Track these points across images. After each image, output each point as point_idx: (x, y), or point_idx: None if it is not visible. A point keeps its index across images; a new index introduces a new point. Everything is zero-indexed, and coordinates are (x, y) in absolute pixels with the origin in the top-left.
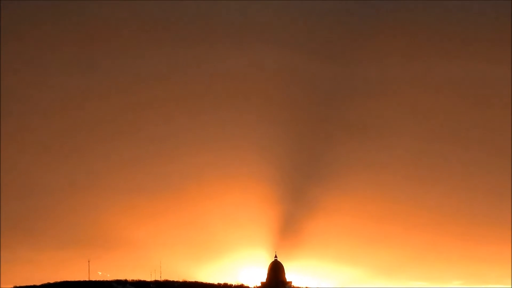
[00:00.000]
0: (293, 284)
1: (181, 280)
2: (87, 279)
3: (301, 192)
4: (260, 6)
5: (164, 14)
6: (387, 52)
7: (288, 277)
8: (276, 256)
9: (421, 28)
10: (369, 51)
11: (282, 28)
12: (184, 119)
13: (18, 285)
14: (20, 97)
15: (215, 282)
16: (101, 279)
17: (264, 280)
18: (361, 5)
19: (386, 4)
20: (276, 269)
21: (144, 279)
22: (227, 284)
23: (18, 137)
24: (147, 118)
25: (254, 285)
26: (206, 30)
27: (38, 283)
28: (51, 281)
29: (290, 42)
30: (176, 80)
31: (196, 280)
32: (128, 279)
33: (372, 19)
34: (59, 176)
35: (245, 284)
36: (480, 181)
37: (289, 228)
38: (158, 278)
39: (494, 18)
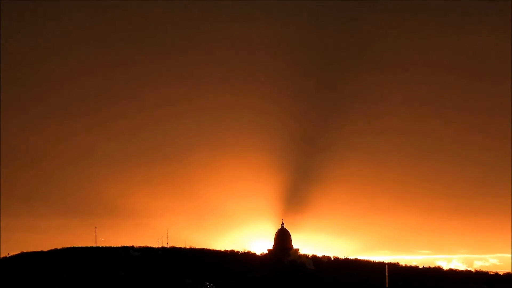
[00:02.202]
0: (300, 251)
1: (188, 247)
2: (94, 246)
3: (305, 163)
4: None
5: (168, 14)
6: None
7: (295, 244)
8: (283, 224)
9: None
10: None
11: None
12: (195, 96)
13: (25, 251)
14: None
15: (222, 249)
16: (107, 245)
17: (271, 248)
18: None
19: None
20: (283, 236)
21: (151, 246)
22: (234, 251)
23: (29, 109)
24: (161, 95)
25: (261, 252)
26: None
27: (45, 249)
28: (58, 247)
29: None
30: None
31: (203, 247)
32: (134, 246)
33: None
34: (67, 146)
35: (252, 251)
36: (481, 150)
37: (295, 197)
38: (165, 245)
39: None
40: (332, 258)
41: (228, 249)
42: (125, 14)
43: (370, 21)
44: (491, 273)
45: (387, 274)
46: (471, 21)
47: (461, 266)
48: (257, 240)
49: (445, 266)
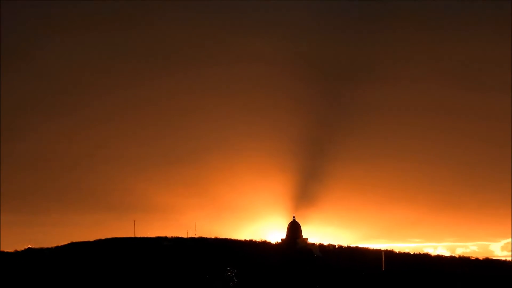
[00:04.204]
0: (309, 240)
1: (213, 237)
2: (133, 236)
3: (312, 164)
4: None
5: (189, 30)
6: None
7: (304, 234)
8: (294, 217)
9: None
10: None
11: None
12: (216, 108)
13: (74, 241)
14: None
15: (242, 239)
16: (145, 236)
17: (284, 237)
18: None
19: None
20: (294, 228)
21: (182, 236)
22: (252, 240)
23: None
24: (187, 107)
25: (276, 241)
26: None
27: (91, 239)
28: (103, 238)
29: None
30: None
31: (226, 237)
32: (167, 236)
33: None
34: (111, 152)
35: (268, 240)
36: (464, 152)
37: (304, 194)
38: (194, 236)
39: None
40: (337, 246)
41: (248, 238)
42: (153, 27)
43: (372, 22)
44: (472, 258)
45: (383, 259)
46: (469, 34)
47: (446, 253)
48: (272, 231)
49: (433, 253)
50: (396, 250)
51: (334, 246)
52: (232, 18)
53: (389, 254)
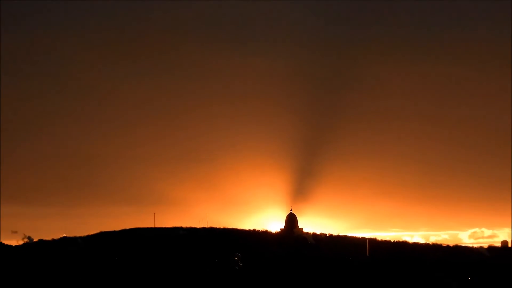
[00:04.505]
0: (304, 230)
1: (222, 227)
2: (153, 226)
3: (307, 163)
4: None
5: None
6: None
7: (300, 225)
8: (291, 210)
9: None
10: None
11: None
12: (222, 116)
13: (103, 230)
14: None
15: (247, 228)
16: (164, 226)
17: (283, 227)
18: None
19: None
20: (291, 219)
21: (195, 226)
22: (255, 230)
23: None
24: (201, 115)
25: (275, 230)
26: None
27: (118, 229)
28: (127, 228)
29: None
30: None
31: (233, 227)
32: (183, 226)
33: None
34: (133, 152)
35: (269, 230)
36: (437, 153)
37: (300, 189)
38: (205, 226)
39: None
40: (328, 235)
41: (251, 228)
42: (169, 40)
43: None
44: (443, 245)
45: (367, 246)
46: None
47: (421, 240)
48: (272, 221)
49: (410, 240)
50: (379, 238)
51: (325, 234)
52: (235, 22)
53: (373, 241)
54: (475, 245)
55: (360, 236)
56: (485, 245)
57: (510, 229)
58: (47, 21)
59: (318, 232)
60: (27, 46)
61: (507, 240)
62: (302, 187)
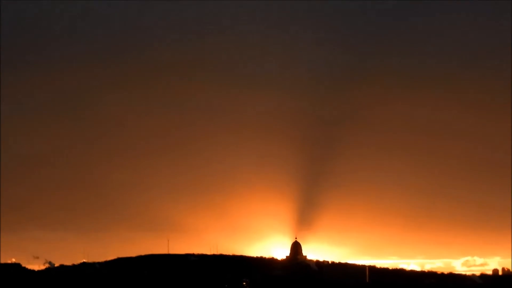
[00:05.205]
0: (307, 257)
1: (231, 254)
2: (166, 253)
3: (311, 195)
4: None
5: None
6: None
7: (304, 252)
8: (296, 238)
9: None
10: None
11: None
12: (228, 142)
13: (120, 256)
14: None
15: (254, 255)
16: (177, 253)
17: (288, 255)
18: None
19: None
20: (296, 247)
21: (206, 253)
22: (262, 256)
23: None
24: (211, 148)
25: (281, 257)
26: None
27: (133, 255)
28: (142, 254)
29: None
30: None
31: (242, 254)
32: (194, 253)
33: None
34: (148, 181)
35: (275, 257)
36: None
37: (305, 219)
38: (215, 252)
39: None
40: (330, 262)
41: (259, 255)
42: (183, 73)
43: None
44: (438, 272)
45: (367, 273)
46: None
47: (417, 268)
48: (278, 249)
49: (407, 268)
50: (378, 265)
51: (327, 261)
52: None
53: (372, 269)
54: (468, 273)
55: (360, 264)
56: (477, 273)
57: (500, 258)
58: (51, 56)
59: (321, 259)
60: (30, 86)
61: (498, 268)
62: (306, 216)
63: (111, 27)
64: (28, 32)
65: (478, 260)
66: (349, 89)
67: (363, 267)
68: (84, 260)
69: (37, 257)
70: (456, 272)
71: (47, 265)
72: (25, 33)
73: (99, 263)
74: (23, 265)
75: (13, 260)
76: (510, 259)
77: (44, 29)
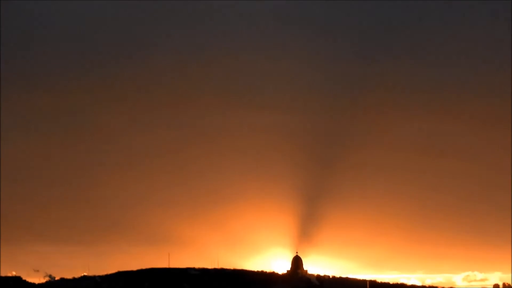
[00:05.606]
0: (308, 271)
1: (232, 268)
2: (167, 266)
3: (312, 209)
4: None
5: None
6: None
7: (305, 266)
8: (297, 252)
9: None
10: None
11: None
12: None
13: (121, 270)
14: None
15: (255, 269)
16: (177, 266)
17: (289, 269)
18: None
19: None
20: (296, 261)
21: (206, 267)
22: (263, 271)
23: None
24: (213, 166)
25: (282, 272)
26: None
27: (134, 269)
28: (143, 268)
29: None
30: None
31: (242, 268)
32: (195, 267)
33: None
34: (150, 197)
35: (276, 271)
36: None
37: (305, 234)
38: (216, 266)
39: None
40: (331, 276)
41: (260, 269)
42: (186, 94)
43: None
44: (439, 287)
45: (368, 287)
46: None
47: (418, 283)
48: (279, 263)
49: (407, 282)
50: (379, 280)
51: (328, 276)
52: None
53: (373, 283)
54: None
55: (361, 278)
56: None
57: (501, 273)
58: (54, 77)
59: (321, 273)
60: (31, 106)
61: (498, 284)
62: (306, 229)
63: (112, 34)
64: (28, 34)
65: (479, 275)
66: (351, 104)
67: (364, 282)
68: (85, 274)
69: (38, 270)
70: (457, 287)
71: (47, 278)
72: (25, 34)
73: (100, 276)
74: (24, 278)
75: (14, 273)
76: (511, 275)
77: (46, 32)
